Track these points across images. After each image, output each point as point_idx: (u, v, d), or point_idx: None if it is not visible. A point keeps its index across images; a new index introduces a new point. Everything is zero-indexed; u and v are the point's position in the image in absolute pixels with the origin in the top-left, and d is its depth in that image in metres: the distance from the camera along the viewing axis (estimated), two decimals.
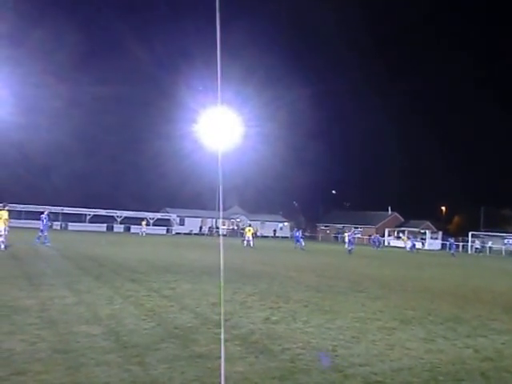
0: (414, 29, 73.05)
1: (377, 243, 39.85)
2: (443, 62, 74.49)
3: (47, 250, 17.41)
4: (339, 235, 36.20)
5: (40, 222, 20.38)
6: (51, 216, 21.11)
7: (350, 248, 29.06)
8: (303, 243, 30.46)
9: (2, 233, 16.06)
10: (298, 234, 32.11)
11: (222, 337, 4.39)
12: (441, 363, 4.95)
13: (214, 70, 3.60)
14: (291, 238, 54.88)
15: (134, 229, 48.63)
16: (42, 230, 19.81)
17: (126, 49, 63.88)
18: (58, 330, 5.38)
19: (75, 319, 5.95)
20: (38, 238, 19.68)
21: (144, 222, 44.84)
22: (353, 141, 73.44)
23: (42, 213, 20.96)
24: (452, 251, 35.47)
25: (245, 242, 29.83)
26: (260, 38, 65.41)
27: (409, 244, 39.72)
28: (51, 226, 32.85)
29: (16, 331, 5.21)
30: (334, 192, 69.85)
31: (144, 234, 41.12)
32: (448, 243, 37.61)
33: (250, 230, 30.61)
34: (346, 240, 39.78)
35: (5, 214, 16.55)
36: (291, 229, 63.43)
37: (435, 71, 78.33)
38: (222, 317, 6.33)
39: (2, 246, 15.85)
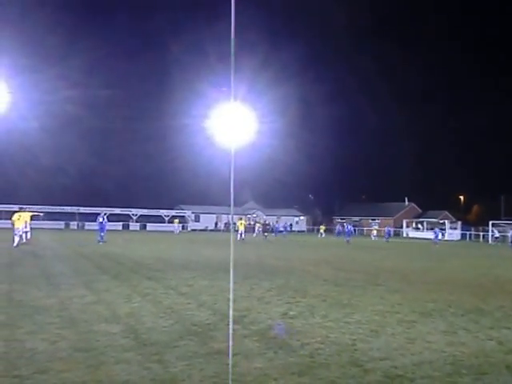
0: (428, 22, 71.46)
1: (341, 232, 39.87)
2: (458, 52, 72.69)
3: (65, 250, 17.72)
4: (346, 226, 35.75)
5: (98, 223, 22.65)
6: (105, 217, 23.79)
7: (347, 238, 32.55)
8: (275, 235, 37.78)
9: (17, 233, 17.45)
10: (278, 226, 42.46)
11: (231, 331, 4.38)
12: (463, 356, 4.84)
13: (228, 65, 3.53)
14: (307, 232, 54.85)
15: (150, 227, 49.16)
16: (101, 230, 22.22)
17: (138, 46, 64.32)
18: (78, 329, 5.46)
19: (95, 318, 6.03)
20: (101, 238, 21.74)
21: (177, 220, 45.37)
22: (367, 133, 72.51)
23: (99, 214, 23.56)
24: (435, 239, 34.59)
25: (238, 236, 28.50)
26: (274, 34, 64.88)
27: (374, 233, 41.58)
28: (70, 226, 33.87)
29: (37, 330, 5.31)
30: (310, 196, 69.75)
31: (178, 233, 41.49)
32: (433, 232, 37.21)
33: (241, 224, 30.31)
34: (322, 231, 43.77)
35: (25, 215, 18.34)
36: (307, 223, 63.22)
37: (449, 61, 76.58)
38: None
39: (15, 244, 16.99)
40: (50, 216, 45.21)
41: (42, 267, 11.59)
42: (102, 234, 22.09)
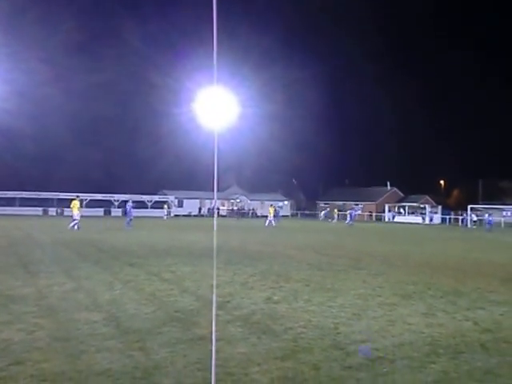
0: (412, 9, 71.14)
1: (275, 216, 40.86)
2: (441, 37, 73.04)
3: (44, 238, 17.36)
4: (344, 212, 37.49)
5: (125, 208, 24.52)
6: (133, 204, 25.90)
7: (350, 222, 35.05)
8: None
9: (77, 218, 20.46)
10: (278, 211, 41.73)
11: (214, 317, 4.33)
12: (441, 337, 4.97)
13: (211, 48, 3.41)
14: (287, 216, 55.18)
15: (132, 212, 48.56)
16: (128, 215, 24.38)
17: (119, 28, 62.06)
18: (57, 318, 5.35)
19: (74, 306, 5.92)
20: (128, 223, 23.49)
21: (166, 206, 45.29)
22: (351, 118, 72.83)
23: (127, 201, 25.69)
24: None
25: (267, 221, 31.47)
26: (258, 17, 63.72)
27: (322, 216, 44.08)
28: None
29: (13, 320, 5.17)
30: (294, 181, 70.23)
31: (166, 218, 41.36)
32: (447, 217, 41.49)
33: (272, 210, 32.78)
34: (335, 216, 44.01)
35: (78, 203, 20.92)
36: (291, 207, 63.64)
37: (434, 46, 76.97)
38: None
39: (76, 227, 20.20)
40: (27, 202, 44.12)
41: (19, 255, 11.32)
42: (129, 219, 23.88)
